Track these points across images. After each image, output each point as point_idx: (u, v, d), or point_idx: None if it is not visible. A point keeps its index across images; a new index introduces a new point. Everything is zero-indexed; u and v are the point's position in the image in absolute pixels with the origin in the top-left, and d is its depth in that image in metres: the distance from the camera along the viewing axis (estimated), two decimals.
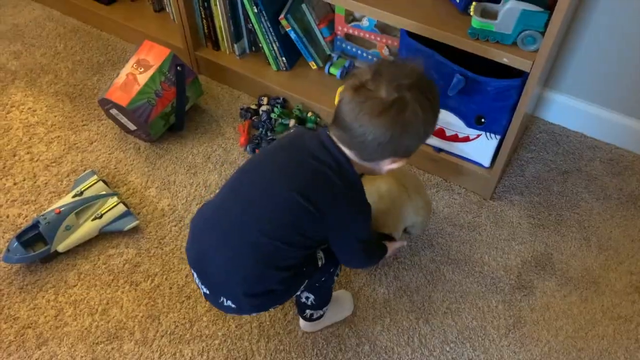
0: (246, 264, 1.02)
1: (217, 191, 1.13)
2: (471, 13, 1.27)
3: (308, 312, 1.27)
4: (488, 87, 1.35)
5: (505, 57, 1.26)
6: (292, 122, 1.72)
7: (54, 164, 1.68)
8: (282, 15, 1.68)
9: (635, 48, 1.53)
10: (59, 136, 1.75)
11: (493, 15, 1.26)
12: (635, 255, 1.49)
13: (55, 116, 1.81)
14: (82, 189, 1.54)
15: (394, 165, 1.03)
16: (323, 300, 1.25)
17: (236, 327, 1.35)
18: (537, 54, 1.24)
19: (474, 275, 1.45)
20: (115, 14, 2.03)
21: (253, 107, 1.81)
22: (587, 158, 1.71)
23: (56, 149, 1.72)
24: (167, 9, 2.00)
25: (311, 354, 1.31)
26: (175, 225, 1.55)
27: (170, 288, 1.42)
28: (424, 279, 1.44)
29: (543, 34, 1.21)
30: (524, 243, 1.51)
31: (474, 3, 1.27)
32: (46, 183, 1.64)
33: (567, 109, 1.75)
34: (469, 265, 1.47)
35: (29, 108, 1.83)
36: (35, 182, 1.64)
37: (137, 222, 1.52)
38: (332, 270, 1.17)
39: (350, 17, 1.73)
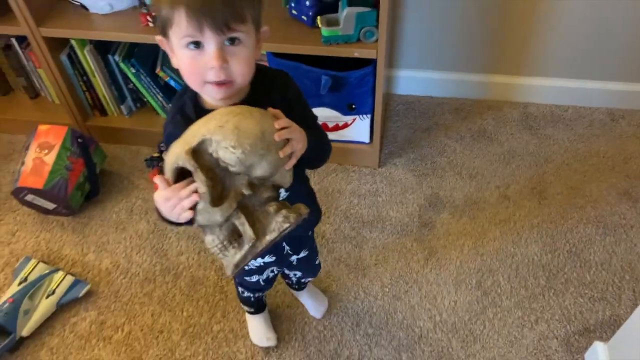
0: None
1: None
2: (319, 25, 1.58)
3: None
4: (350, 79, 1.67)
5: (356, 52, 1.59)
6: None
7: None
8: (158, 69, 1.88)
9: (449, 17, 1.95)
10: None
11: (336, 23, 1.58)
12: (496, 173, 1.90)
13: None
14: (25, 275, 1.61)
15: None
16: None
17: (212, 339, 1.53)
18: (378, 43, 1.58)
19: (387, 228, 1.76)
20: None
21: (156, 154, 1.97)
22: (438, 113, 2.12)
23: None
24: (42, 93, 2.10)
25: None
26: (124, 278, 1.68)
27: (142, 330, 1.56)
28: (350, 245, 1.72)
29: (377, 27, 1.56)
30: (415, 192, 1.86)
31: (318, 17, 1.59)
32: None
33: (412, 80, 2.15)
34: (380, 222, 1.77)
35: None
36: None
37: (89, 285, 1.63)
38: None
39: None
